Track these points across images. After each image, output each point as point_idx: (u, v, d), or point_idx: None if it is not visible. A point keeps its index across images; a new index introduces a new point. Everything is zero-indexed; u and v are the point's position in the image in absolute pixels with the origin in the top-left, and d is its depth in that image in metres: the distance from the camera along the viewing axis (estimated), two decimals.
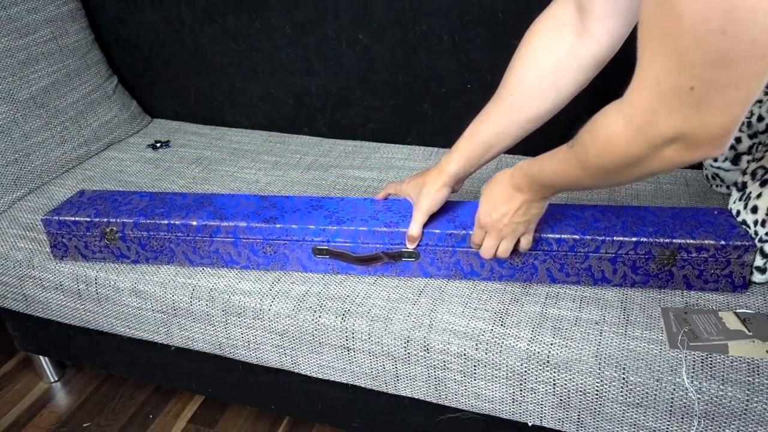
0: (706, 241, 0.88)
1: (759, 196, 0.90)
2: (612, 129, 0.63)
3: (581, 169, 0.72)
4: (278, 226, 0.99)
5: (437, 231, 0.95)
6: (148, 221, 1.03)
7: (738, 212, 0.94)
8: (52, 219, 1.06)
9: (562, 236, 0.92)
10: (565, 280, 0.95)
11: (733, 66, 0.52)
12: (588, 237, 0.91)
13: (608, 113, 0.65)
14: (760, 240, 0.89)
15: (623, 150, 0.63)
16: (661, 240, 0.89)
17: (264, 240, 1.00)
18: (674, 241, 0.89)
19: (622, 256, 0.91)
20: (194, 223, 1.01)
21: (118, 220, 1.04)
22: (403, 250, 0.97)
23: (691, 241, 0.89)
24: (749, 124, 1.04)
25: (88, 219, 1.05)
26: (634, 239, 0.90)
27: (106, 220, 1.04)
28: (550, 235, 0.92)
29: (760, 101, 1.02)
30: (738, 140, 1.05)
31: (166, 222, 1.02)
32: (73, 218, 1.05)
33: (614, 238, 0.90)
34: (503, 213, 0.86)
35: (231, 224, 1.00)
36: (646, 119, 0.59)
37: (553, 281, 0.95)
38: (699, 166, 1.21)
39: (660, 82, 0.57)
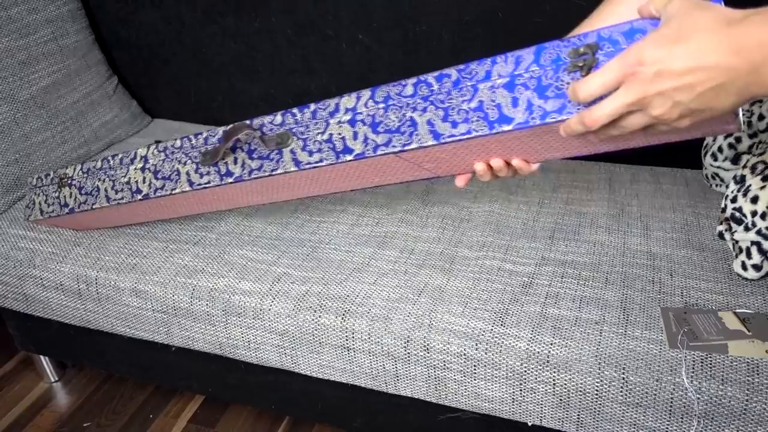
0: None
1: (762, 188, 0.90)
2: None
3: None
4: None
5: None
6: (92, 164, 1.03)
7: (735, 198, 0.94)
8: (33, 178, 1.12)
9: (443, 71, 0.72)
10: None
11: None
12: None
13: None
14: (759, 233, 0.89)
15: None
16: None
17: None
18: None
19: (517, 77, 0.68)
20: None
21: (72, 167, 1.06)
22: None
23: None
24: (749, 124, 1.04)
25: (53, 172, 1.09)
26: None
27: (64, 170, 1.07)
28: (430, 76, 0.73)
29: (760, 101, 1.02)
30: (738, 140, 1.05)
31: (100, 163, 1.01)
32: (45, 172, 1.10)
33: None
34: (679, 75, 0.52)
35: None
36: None
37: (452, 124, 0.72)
38: (699, 165, 1.21)
39: None
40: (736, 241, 0.94)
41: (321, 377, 1.01)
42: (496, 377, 0.88)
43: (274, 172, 0.84)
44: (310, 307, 0.97)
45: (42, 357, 1.40)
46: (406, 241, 1.09)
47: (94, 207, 1.02)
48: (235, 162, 0.87)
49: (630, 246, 1.02)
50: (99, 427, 1.31)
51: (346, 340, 0.95)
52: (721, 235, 1.01)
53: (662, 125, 0.57)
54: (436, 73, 0.73)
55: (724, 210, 0.98)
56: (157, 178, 0.95)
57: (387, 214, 1.16)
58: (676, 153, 1.25)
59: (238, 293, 1.01)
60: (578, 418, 0.86)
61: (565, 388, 0.85)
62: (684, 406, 0.80)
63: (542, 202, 1.16)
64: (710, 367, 0.80)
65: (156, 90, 1.64)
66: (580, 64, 0.62)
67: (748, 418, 0.78)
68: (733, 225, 0.95)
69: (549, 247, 1.04)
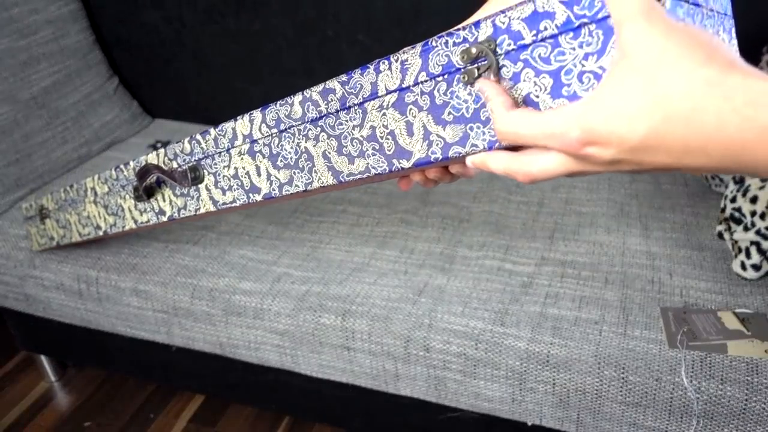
0: None
1: (761, 188, 0.90)
2: None
3: None
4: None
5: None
6: (58, 194, 0.99)
7: (734, 198, 0.94)
8: (23, 208, 1.10)
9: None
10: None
11: None
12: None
13: None
14: (758, 233, 0.89)
15: None
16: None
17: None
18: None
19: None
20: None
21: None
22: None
23: None
24: None
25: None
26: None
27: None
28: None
29: None
30: None
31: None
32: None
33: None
34: (640, 162, 0.38)
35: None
36: None
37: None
38: None
39: None
40: (736, 241, 0.94)
41: (321, 377, 1.01)
42: (496, 377, 0.88)
43: (197, 212, 0.76)
44: (310, 307, 0.97)
45: (43, 357, 1.40)
46: (406, 241, 1.09)
47: (72, 240, 1.00)
48: (164, 198, 0.81)
49: (630, 246, 1.03)
50: (99, 426, 1.31)
51: (346, 340, 0.95)
52: (720, 235, 1.01)
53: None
54: (320, 87, 0.59)
55: (723, 210, 0.98)
56: (108, 214, 0.90)
57: (387, 214, 1.17)
58: None
59: (239, 293, 1.01)
60: (578, 418, 0.86)
61: (564, 388, 0.85)
62: (683, 406, 0.80)
63: (542, 202, 1.17)
64: (710, 367, 0.80)
65: (156, 90, 1.64)
66: (476, 74, 0.47)
67: (748, 417, 0.78)
68: (733, 225, 0.95)
69: (549, 247, 1.04)
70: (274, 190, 0.67)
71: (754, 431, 0.78)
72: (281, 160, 0.65)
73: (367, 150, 0.57)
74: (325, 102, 0.59)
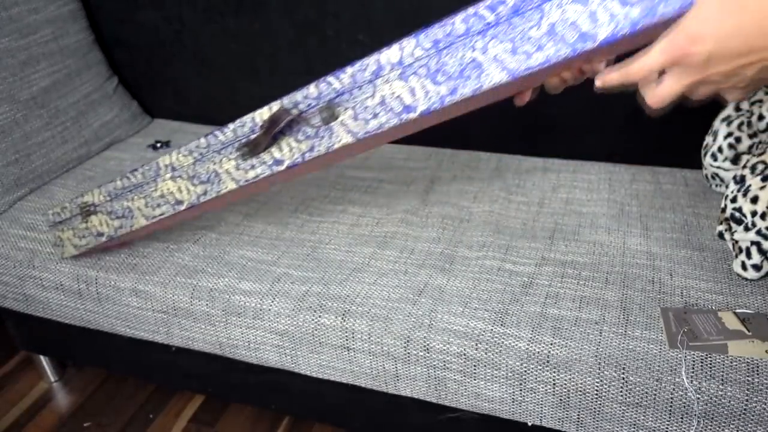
0: None
1: (762, 188, 0.90)
2: None
3: None
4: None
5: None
6: (111, 186, 0.97)
7: (735, 198, 0.94)
8: (50, 214, 1.07)
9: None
10: None
11: None
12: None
13: None
14: (759, 233, 0.89)
15: None
16: None
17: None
18: None
19: None
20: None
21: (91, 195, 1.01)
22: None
23: None
24: (749, 124, 1.04)
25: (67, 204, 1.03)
26: None
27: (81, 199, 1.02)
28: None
29: (760, 101, 1.02)
30: (738, 140, 1.05)
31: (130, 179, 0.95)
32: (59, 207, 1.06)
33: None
34: (731, 58, 0.50)
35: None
36: None
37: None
38: (699, 165, 1.21)
39: None
40: (736, 241, 0.94)
41: (321, 377, 1.01)
42: (496, 377, 0.88)
43: (330, 148, 0.77)
44: (310, 307, 0.97)
45: (42, 357, 1.40)
46: (406, 241, 1.09)
47: (133, 228, 0.96)
48: (281, 149, 0.81)
49: (630, 246, 1.03)
50: (99, 427, 1.31)
51: (346, 340, 0.95)
52: (720, 235, 1.01)
53: (733, 89, 0.54)
54: (487, 2, 0.66)
55: (723, 210, 0.98)
56: (194, 184, 0.89)
57: (387, 214, 1.17)
58: (677, 153, 1.25)
59: (238, 293, 1.01)
60: (578, 418, 0.86)
61: (565, 388, 0.85)
62: (684, 406, 0.80)
63: (542, 202, 1.17)
64: (710, 367, 0.80)
65: (156, 90, 1.64)
66: None
67: (748, 418, 0.78)
68: (733, 225, 0.95)
69: (549, 247, 1.04)
70: (434, 103, 0.71)
71: None
72: (442, 75, 0.69)
73: (546, 43, 0.63)
74: (494, 13, 0.66)
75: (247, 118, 0.84)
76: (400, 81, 0.72)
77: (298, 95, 0.79)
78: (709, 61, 0.51)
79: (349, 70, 0.74)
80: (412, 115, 0.72)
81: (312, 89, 0.78)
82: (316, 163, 0.85)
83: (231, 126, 0.85)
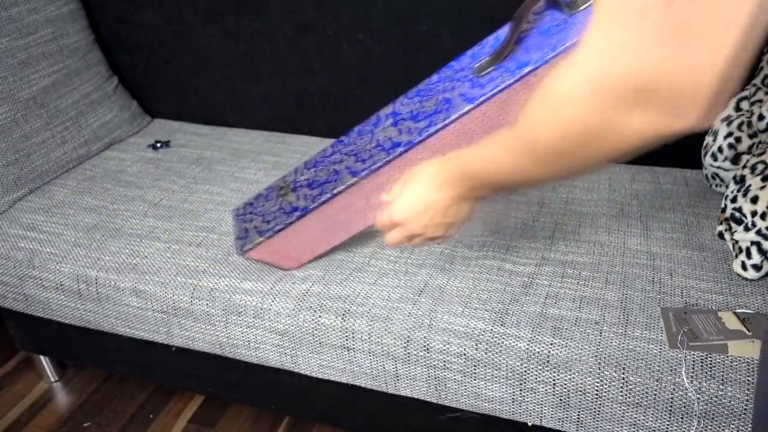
0: None
1: (762, 188, 0.90)
2: (559, 88, 0.45)
3: (526, 154, 0.53)
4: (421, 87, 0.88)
5: None
6: (314, 158, 0.98)
7: (735, 198, 0.94)
8: (239, 207, 1.07)
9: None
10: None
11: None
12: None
13: (559, 69, 0.45)
14: (759, 233, 0.89)
15: (574, 114, 0.44)
16: None
17: (420, 97, 0.86)
18: None
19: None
20: (355, 130, 0.91)
21: (290, 175, 1.01)
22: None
23: None
24: (749, 124, 1.04)
25: (267, 187, 1.02)
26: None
27: (282, 180, 1.01)
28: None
29: (760, 101, 1.02)
30: (738, 140, 1.05)
31: (330, 148, 0.96)
32: (254, 196, 1.05)
33: None
34: (418, 210, 0.72)
35: (389, 109, 0.89)
36: (606, 62, 0.41)
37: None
38: (699, 165, 1.21)
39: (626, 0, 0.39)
40: (736, 241, 0.94)
41: (321, 377, 1.01)
42: (496, 377, 0.88)
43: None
44: (311, 306, 0.97)
45: (42, 357, 1.40)
46: None
47: (335, 192, 0.92)
48: (527, 50, 0.79)
49: (630, 246, 1.03)
50: (99, 426, 1.31)
51: (346, 340, 0.95)
52: (721, 235, 1.01)
53: (449, 229, 0.76)
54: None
55: (724, 210, 0.98)
56: (417, 120, 0.85)
57: None
58: (676, 153, 1.25)
59: (239, 293, 1.01)
60: (578, 418, 0.86)
61: (565, 388, 0.85)
62: (684, 406, 0.80)
63: (542, 202, 1.17)
64: (710, 367, 0.80)
65: (156, 90, 1.64)
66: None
67: (748, 417, 0.78)
68: (733, 225, 0.95)
69: (549, 247, 1.04)
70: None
71: None
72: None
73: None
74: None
75: (488, 38, 0.84)
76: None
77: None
78: (406, 211, 0.74)
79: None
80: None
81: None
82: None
83: (468, 52, 0.86)
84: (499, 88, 0.78)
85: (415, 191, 0.73)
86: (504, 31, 0.82)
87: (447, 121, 0.79)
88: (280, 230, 0.95)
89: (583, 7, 0.79)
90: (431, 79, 0.81)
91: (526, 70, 0.77)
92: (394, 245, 0.80)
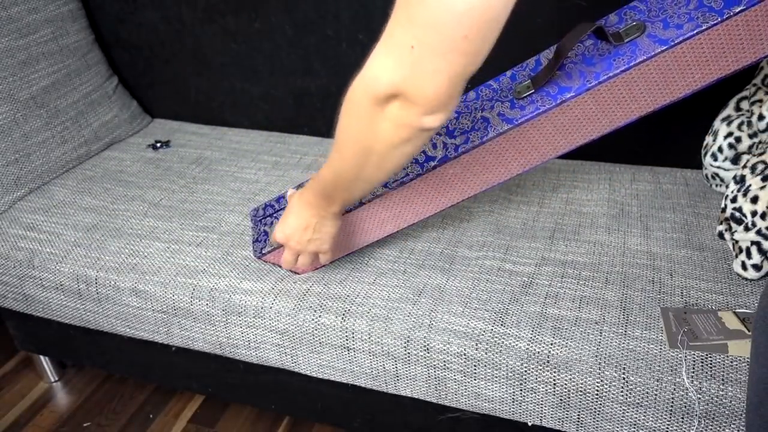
0: None
1: (762, 188, 0.90)
2: (350, 93, 0.66)
3: (341, 159, 0.71)
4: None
5: None
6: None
7: (735, 198, 0.94)
8: (257, 207, 1.06)
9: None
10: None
11: (443, 35, 0.56)
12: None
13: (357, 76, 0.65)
14: (759, 233, 0.89)
15: (355, 109, 0.65)
16: None
17: (456, 113, 0.87)
18: None
19: None
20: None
21: None
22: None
23: None
24: (749, 124, 1.04)
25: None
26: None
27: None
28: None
29: (760, 101, 1.02)
30: (738, 140, 1.05)
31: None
32: (276, 197, 1.04)
33: None
34: (294, 229, 0.87)
35: None
36: (374, 71, 0.63)
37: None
38: (699, 165, 1.21)
39: (393, 34, 0.61)
40: (736, 241, 0.94)
41: (321, 377, 1.01)
42: (496, 377, 0.88)
43: (651, 56, 0.79)
44: (311, 306, 0.97)
45: (42, 357, 1.40)
46: (405, 241, 1.09)
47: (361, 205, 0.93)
48: (570, 76, 0.82)
49: (630, 246, 1.03)
50: (99, 427, 1.31)
51: (346, 340, 0.95)
52: (721, 235, 1.01)
53: (322, 244, 0.89)
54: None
55: (724, 210, 0.98)
56: (453, 136, 0.88)
57: None
58: (677, 153, 1.25)
59: (239, 292, 1.01)
60: (578, 418, 0.86)
61: (565, 388, 0.85)
62: (685, 406, 0.80)
63: (542, 202, 1.17)
64: (710, 367, 0.80)
65: (156, 90, 1.64)
66: None
67: None
68: (733, 225, 0.95)
69: (549, 247, 1.04)
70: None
71: None
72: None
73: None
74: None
75: (528, 60, 0.87)
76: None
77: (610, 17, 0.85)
78: (282, 231, 0.88)
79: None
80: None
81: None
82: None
83: (508, 72, 0.88)
84: (539, 111, 0.83)
85: (290, 215, 0.87)
86: (545, 56, 0.83)
87: (484, 140, 0.83)
88: None
89: (628, 40, 0.81)
90: (468, 95, 0.84)
91: (568, 95, 0.81)
92: (287, 265, 0.94)
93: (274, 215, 1.00)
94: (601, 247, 1.03)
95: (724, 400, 0.78)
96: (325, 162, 0.77)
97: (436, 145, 0.87)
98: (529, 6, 1.21)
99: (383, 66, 0.61)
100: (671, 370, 0.80)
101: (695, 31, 0.77)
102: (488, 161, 0.90)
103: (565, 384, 0.85)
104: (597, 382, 0.83)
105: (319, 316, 0.96)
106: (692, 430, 0.80)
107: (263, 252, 1.00)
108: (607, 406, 0.83)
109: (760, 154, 0.96)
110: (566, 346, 0.85)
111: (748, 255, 0.91)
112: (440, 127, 0.64)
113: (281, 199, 1.02)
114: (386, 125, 0.64)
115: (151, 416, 1.33)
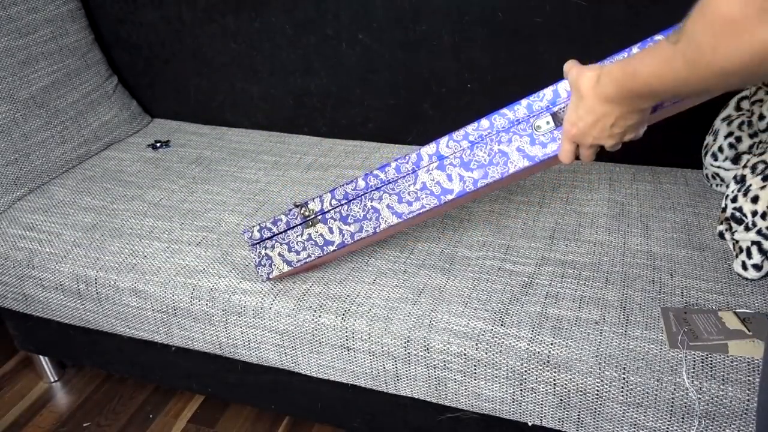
0: None
1: (762, 188, 0.90)
2: (726, 10, 0.50)
3: (691, 70, 0.58)
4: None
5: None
6: (345, 186, 0.93)
7: (735, 198, 0.94)
8: (250, 229, 1.00)
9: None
10: None
11: None
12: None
13: None
14: (759, 233, 0.89)
15: (749, 36, 0.50)
16: None
17: (469, 143, 0.85)
18: None
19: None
20: (392, 165, 0.89)
21: (312, 199, 0.96)
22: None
23: None
24: (750, 124, 1.04)
25: (285, 212, 0.98)
26: None
27: (301, 203, 0.96)
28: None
29: (760, 101, 1.02)
30: (739, 139, 1.05)
31: (363, 180, 0.91)
32: (271, 220, 0.99)
33: None
34: (591, 125, 0.74)
35: (432, 148, 0.87)
36: None
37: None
38: (699, 165, 1.21)
39: None
40: (737, 241, 0.93)
41: (321, 377, 1.01)
42: (496, 377, 0.88)
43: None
44: (311, 306, 0.97)
45: (42, 357, 1.40)
46: (405, 241, 1.09)
47: (377, 230, 0.91)
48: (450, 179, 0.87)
49: (630, 246, 1.02)
50: (99, 426, 1.31)
51: (346, 340, 0.95)
52: (721, 235, 1.01)
53: (626, 134, 0.75)
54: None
55: (724, 210, 0.98)
56: (470, 170, 0.86)
57: None
58: (677, 153, 1.25)
59: (238, 292, 1.01)
60: (578, 418, 0.86)
61: (565, 388, 0.85)
62: (685, 406, 0.80)
63: (542, 202, 1.16)
64: (711, 367, 0.80)
65: (156, 90, 1.64)
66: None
67: (749, 417, 0.78)
68: (734, 225, 0.95)
69: (549, 247, 1.04)
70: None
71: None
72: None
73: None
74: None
75: (545, 90, 0.83)
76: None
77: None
78: (575, 125, 0.75)
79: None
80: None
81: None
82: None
83: (523, 101, 0.84)
84: (425, 209, 0.86)
85: (579, 110, 0.74)
86: (563, 87, 0.82)
87: (504, 175, 0.83)
88: (312, 261, 0.97)
89: None
90: (480, 124, 0.82)
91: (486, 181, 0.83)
92: (567, 157, 0.79)
93: (274, 238, 0.99)
94: (601, 247, 1.03)
95: (724, 400, 0.78)
96: (643, 60, 0.64)
97: (450, 177, 0.86)
98: (529, 6, 1.21)
99: None
100: (671, 370, 0.80)
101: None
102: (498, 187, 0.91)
103: (565, 384, 0.84)
104: (597, 382, 0.83)
105: (319, 316, 0.96)
106: (692, 430, 0.80)
107: (270, 276, 1.00)
108: (607, 406, 0.83)
109: (761, 154, 0.96)
110: (566, 346, 0.85)
111: (749, 255, 0.91)
112: None
113: (277, 222, 0.98)
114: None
115: (150, 416, 1.32)
